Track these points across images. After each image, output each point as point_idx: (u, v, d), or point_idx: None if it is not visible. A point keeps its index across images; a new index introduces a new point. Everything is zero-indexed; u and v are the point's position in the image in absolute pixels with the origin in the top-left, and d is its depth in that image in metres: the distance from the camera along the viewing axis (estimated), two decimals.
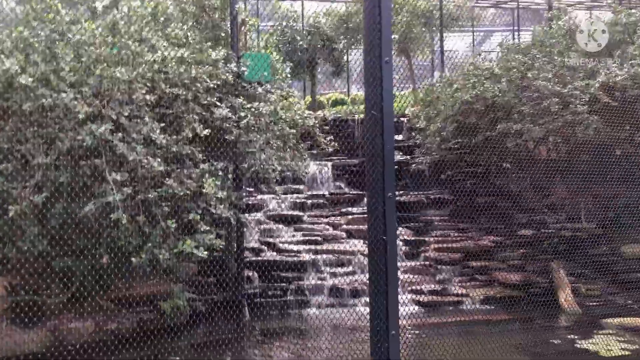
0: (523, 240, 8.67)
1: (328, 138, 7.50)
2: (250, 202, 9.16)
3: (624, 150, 7.84)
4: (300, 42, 15.67)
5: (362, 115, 12.34)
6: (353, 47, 17.36)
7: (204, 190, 5.13)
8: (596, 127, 7.59)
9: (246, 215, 8.82)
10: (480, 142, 8.52)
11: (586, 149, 7.94)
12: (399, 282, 8.13)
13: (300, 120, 7.21)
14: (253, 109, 6.00)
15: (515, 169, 9.12)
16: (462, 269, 8.45)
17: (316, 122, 7.44)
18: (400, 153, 11.29)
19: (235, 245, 6.81)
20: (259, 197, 9.40)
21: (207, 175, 5.25)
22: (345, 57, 17.81)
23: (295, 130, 7.11)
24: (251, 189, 9.18)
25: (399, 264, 8.48)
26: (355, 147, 11.62)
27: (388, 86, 2.17)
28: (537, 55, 8.48)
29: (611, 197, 8.30)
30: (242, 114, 5.96)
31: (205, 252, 4.90)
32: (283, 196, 9.33)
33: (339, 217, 9.44)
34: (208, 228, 5.22)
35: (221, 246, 5.39)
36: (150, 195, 4.98)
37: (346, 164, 10.85)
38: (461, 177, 9.68)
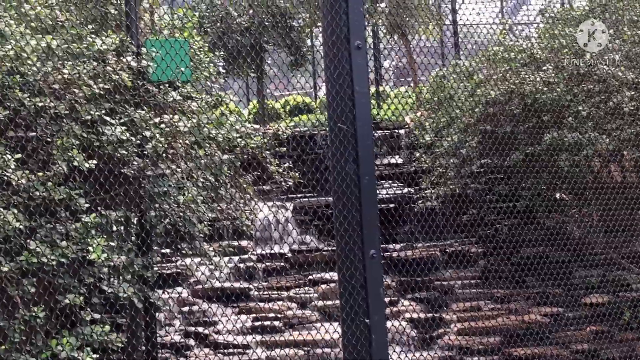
0: (594, 311, 8.72)
1: (285, 165, 7.51)
2: (168, 271, 9.07)
3: None
4: (239, 20, 15.80)
5: None
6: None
7: (89, 257, 5.06)
8: None
9: (161, 292, 8.75)
10: (518, 163, 8.65)
11: None
12: None
13: (240, 140, 7.21)
14: (164, 126, 5.98)
15: (576, 201, 9.25)
16: None
17: (266, 141, 7.45)
18: (399, 184, 11.40)
19: (143, 340, 6.69)
20: (182, 261, 9.30)
21: (92, 232, 5.18)
22: (309, 40, 18.04)
23: (233, 156, 7.10)
24: (168, 250, 9.08)
25: (404, 357, 8.53)
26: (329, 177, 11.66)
27: (362, 84, 2.17)
28: (599, 27, 8.71)
29: None
30: (147, 134, 5.94)
31: (94, 356, 4.80)
32: (219, 259, 9.23)
33: (308, 288, 9.40)
34: (98, 316, 5.13)
35: (120, 344, 5.29)
36: (3, 268, 4.87)
37: (316, 204, 10.88)
38: (494, 217, 9.78)
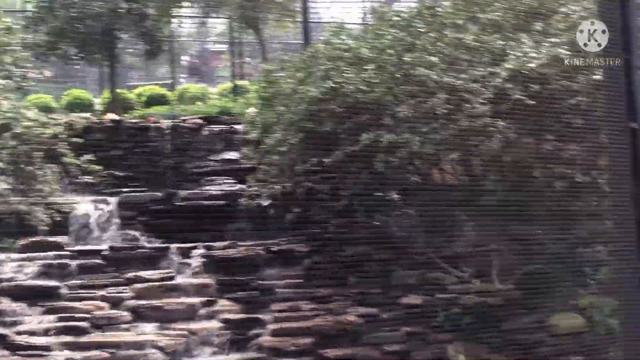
0: (409, 311, 8.70)
1: (85, 158, 7.09)
2: None
3: (547, 171, 8.08)
4: (91, 4, 15.20)
5: (173, 122, 12.09)
6: (177, 11, 17.12)
7: None
8: (504, 136, 7.76)
9: None
10: (340, 162, 8.50)
11: (497, 170, 8.13)
12: None
13: (37, 129, 6.78)
14: None
15: (400, 202, 9.20)
16: None
17: (65, 131, 7.02)
18: (233, 180, 11.15)
19: None
20: None
21: None
22: (166, 30, 17.50)
23: (29, 146, 6.70)
24: None
25: (216, 358, 8.26)
26: (163, 171, 11.31)
27: None
28: (422, 29, 8.62)
29: (536, 241, 8.55)
30: None
31: None
32: (25, 256, 8.77)
33: (123, 287, 9.00)
34: None
35: None
36: None
37: (144, 199, 10.46)
38: (319, 216, 9.64)
